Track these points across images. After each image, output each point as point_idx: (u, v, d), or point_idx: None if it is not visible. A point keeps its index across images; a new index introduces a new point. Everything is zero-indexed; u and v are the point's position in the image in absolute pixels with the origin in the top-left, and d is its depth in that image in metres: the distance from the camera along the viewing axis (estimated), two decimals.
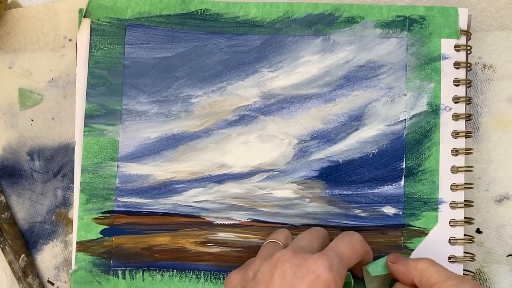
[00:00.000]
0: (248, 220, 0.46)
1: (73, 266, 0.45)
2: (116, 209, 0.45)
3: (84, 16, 0.46)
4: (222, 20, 0.46)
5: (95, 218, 0.45)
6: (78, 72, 0.46)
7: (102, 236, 0.45)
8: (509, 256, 0.46)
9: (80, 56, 0.46)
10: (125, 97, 0.46)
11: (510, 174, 0.47)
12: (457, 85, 0.46)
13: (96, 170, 0.45)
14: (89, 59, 0.46)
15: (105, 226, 0.45)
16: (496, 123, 0.47)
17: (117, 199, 0.46)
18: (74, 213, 0.45)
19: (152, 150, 0.46)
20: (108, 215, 0.45)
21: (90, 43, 0.46)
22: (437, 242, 0.45)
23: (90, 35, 0.46)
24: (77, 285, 0.45)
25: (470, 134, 0.45)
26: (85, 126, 0.45)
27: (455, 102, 0.46)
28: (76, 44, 0.46)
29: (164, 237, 0.46)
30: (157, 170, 0.46)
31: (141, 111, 0.46)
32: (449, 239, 0.45)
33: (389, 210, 0.45)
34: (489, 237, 0.46)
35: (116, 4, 0.46)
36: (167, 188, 0.46)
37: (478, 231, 0.47)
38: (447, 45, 0.46)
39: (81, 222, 0.45)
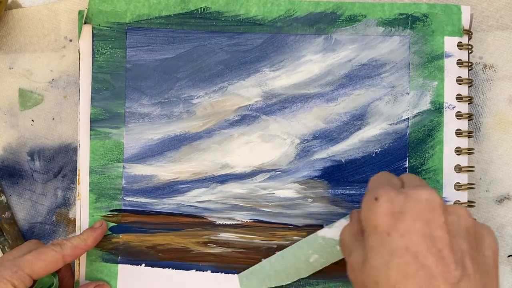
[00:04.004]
0: (250, 221, 0.46)
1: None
2: (123, 208, 0.46)
3: (85, 23, 0.46)
4: (223, 19, 0.46)
5: (104, 216, 0.46)
6: (82, 77, 0.46)
7: (110, 232, 0.46)
8: (510, 257, 0.46)
9: (83, 62, 0.46)
10: (128, 100, 0.46)
11: (511, 174, 0.47)
12: (461, 84, 0.46)
13: (103, 171, 0.46)
14: (92, 64, 0.46)
15: (113, 224, 0.46)
16: (496, 123, 0.47)
17: (124, 198, 0.46)
18: (83, 211, 0.46)
19: (156, 151, 0.46)
20: (116, 213, 0.46)
21: (93, 49, 0.46)
22: None
23: (92, 41, 0.46)
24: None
25: (472, 134, 0.45)
26: (91, 130, 0.46)
27: (459, 101, 0.45)
28: (78, 50, 0.46)
29: (168, 236, 0.46)
30: (161, 170, 0.46)
31: (144, 113, 0.46)
32: None
33: None
34: None
35: (116, 8, 0.46)
36: (170, 188, 0.46)
37: None
38: (450, 43, 0.46)
39: (92, 219, 0.46)
